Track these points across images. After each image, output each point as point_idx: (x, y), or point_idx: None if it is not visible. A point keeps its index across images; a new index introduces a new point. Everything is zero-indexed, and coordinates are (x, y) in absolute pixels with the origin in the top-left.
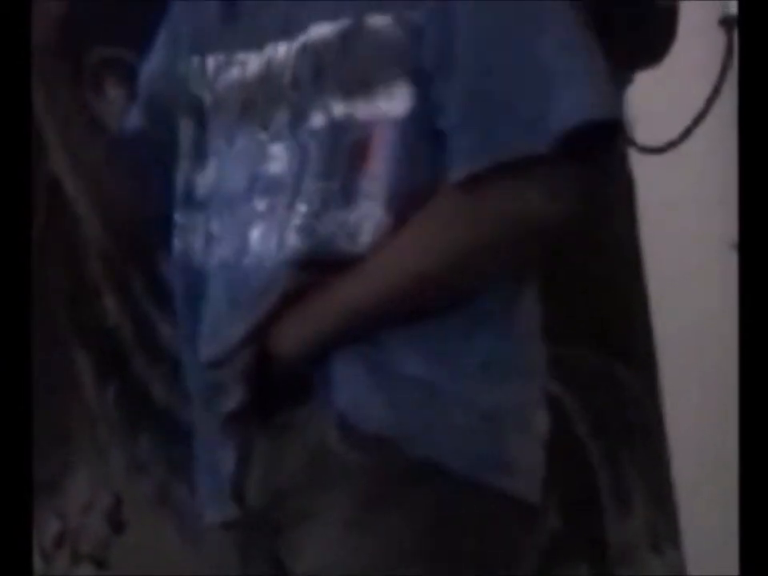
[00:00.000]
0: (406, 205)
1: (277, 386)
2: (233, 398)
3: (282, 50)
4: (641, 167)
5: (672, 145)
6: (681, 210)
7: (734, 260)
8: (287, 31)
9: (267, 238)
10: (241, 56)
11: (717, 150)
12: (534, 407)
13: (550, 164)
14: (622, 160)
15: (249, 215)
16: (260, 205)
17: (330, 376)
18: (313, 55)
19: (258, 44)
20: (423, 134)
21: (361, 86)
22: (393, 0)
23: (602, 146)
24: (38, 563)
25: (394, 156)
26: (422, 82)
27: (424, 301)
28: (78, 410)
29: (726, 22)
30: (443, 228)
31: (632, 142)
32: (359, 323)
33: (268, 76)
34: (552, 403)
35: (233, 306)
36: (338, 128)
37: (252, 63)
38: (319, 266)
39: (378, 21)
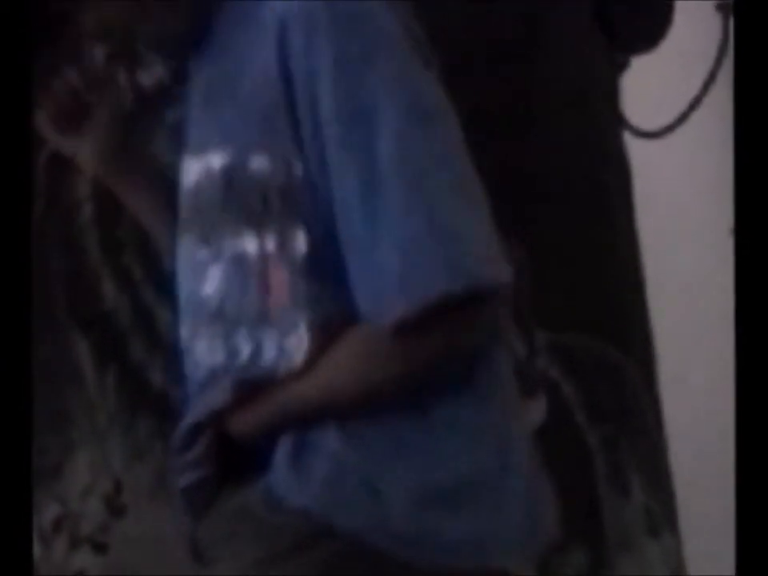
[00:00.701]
0: (326, 329)
1: (230, 462)
2: (189, 476)
3: (215, 161)
4: (637, 151)
5: (668, 129)
6: (677, 195)
7: (731, 245)
8: (223, 144)
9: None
10: (188, 161)
11: (713, 134)
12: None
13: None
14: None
15: (194, 327)
16: (197, 321)
17: (268, 451)
18: (208, 185)
19: (199, 149)
20: (319, 275)
21: (253, 224)
22: (274, 138)
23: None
24: (37, 547)
25: (296, 292)
26: (316, 228)
27: (353, 411)
28: (77, 396)
29: (722, 8)
30: (366, 365)
31: (628, 126)
32: (300, 417)
33: (206, 187)
34: (550, 389)
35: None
36: (244, 257)
37: (192, 170)
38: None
39: (262, 163)
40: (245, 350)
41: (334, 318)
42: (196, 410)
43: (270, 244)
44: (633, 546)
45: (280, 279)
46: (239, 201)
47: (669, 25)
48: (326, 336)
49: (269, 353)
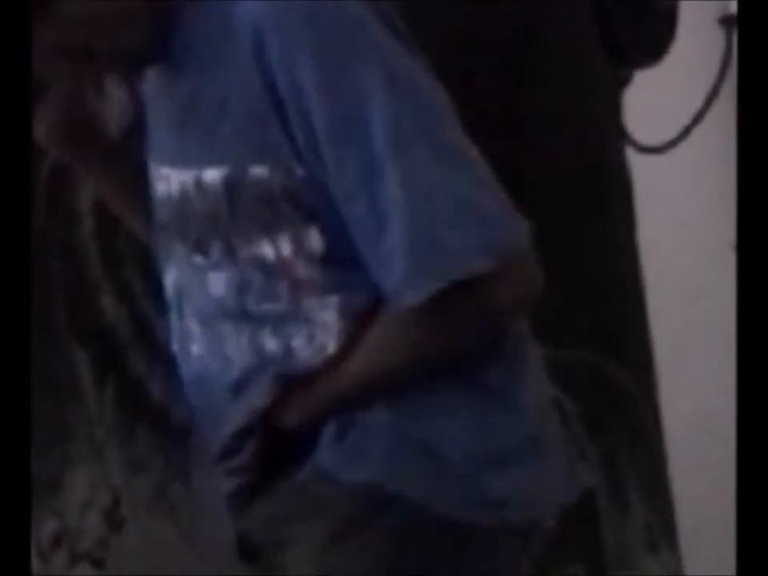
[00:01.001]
0: (353, 321)
1: (276, 455)
2: (235, 481)
3: (210, 175)
4: (639, 166)
5: (671, 144)
6: (679, 210)
7: (733, 260)
8: (218, 159)
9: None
10: (164, 170)
11: (716, 149)
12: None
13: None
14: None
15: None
16: (210, 322)
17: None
18: (208, 197)
19: (183, 162)
20: (339, 264)
21: (264, 231)
22: (269, 148)
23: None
24: (35, 562)
25: (320, 286)
26: (327, 224)
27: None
28: (76, 409)
29: (725, 22)
30: (400, 348)
31: (631, 141)
32: (350, 401)
33: (199, 198)
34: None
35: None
36: (263, 262)
37: (174, 180)
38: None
39: (261, 171)
40: (274, 348)
41: (362, 303)
42: (237, 415)
43: (286, 247)
44: (632, 562)
45: (302, 277)
46: (247, 211)
47: (672, 39)
48: (357, 321)
49: (300, 348)
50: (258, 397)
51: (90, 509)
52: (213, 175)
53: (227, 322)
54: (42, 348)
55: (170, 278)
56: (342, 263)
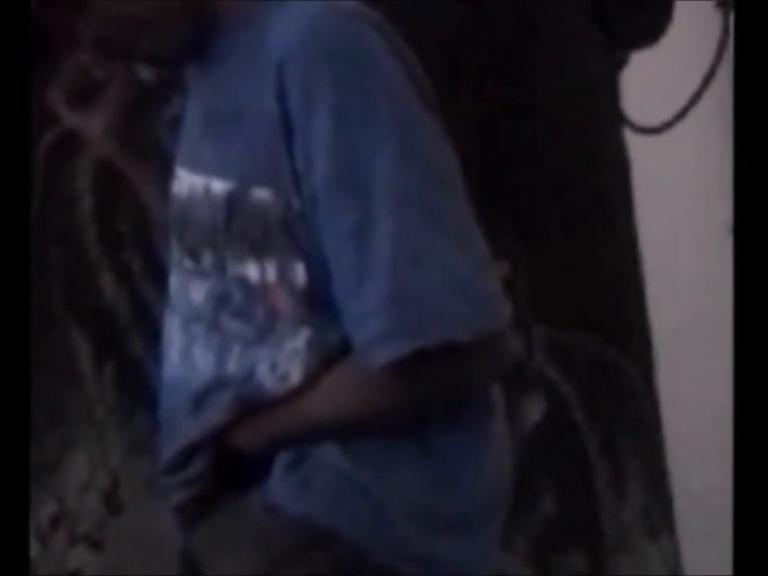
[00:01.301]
0: (326, 346)
1: (226, 474)
2: (182, 494)
3: (216, 186)
4: (636, 147)
5: (667, 125)
6: (677, 191)
7: (730, 242)
8: (226, 173)
9: (201, 356)
10: (180, 171)
11: (712, 130)
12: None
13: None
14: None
15: (186, 329)
16: (190, 326)
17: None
18: (209, 209)
19: (196, 166)
20: (316, 304)
21: (254, 253)
22: (274, 175)
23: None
24: (34, 545)
25: (295, 317)
26: (312, 261)
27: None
28: (76, 391)
29: (722, 4)
30: (367, 398)
31: (628, 122)
32: (304, 435)
33: (202, 205)
34: (548, 389)
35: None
36: (247, 282)
37: (185, 182)
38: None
39: (264, 194)
40: (237, 368)
41: (333, 343)
42: (191, 430)
43: (271, 273)
44: (631, 548)
45: (281, 304)
46: (241, 229)
47: (669, 21)
48: (325, 359)
49: (262, 373)
50: (215, 414)
51: (88, 491)
52: (218, 187)
53: (200, 331)
54: (41, 331)
55: (171, 278)
56: (321, 301)
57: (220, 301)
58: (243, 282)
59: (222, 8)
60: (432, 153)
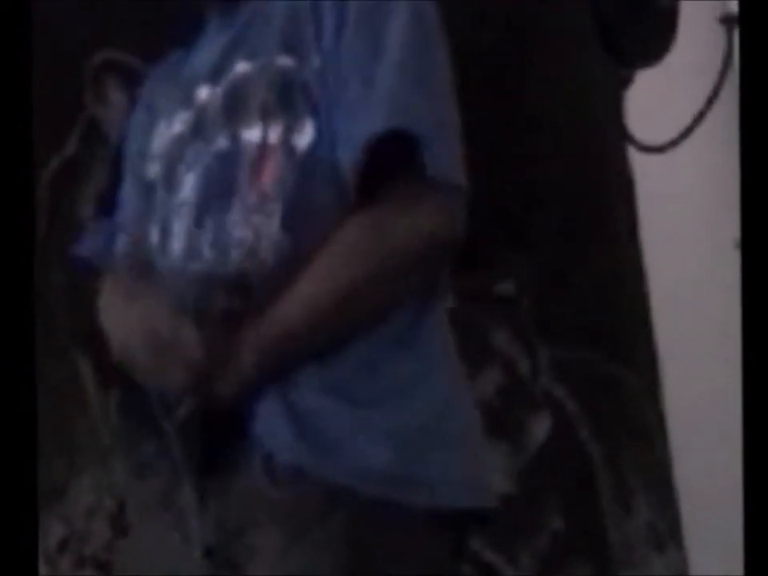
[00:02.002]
0: (302, 226)
1: (218, 427)
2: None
3: (204, 93)
4: (641, 166)
5: (672, 144)
6: (682, 210)
7: (737, 259)
8: (213, 76)
9: (187, 250)
10: (169, 109)
11: (717, 149)
12: (458, 419)
13: (431, 192)
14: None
15: (171, 229)
16: (174, 225)
17: (255, 414)
18: (230, 90)
19: (186, 96)
20: (321, 165)
21: (267, 115)
22: (299, 43)
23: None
24: (42, 567)
25: (288, 180)
26: (323, 118)
27: (333, 332)
28: (81, 416)
29: (726, 21)
30: (338, 260)
31: (632, 141)
32: (279, 356)
33: (193, 115)
34: (554, 405)
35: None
36: (239, 150)
37: (182, 116)
38: (239, 292)
39: (286, 62)
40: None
41: (314, 222)
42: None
43: (274, 136)
44: (637, 562)
45: (272, 169)
46: (260, 96)
47: (673, 39)
48: (304, 230)
49: (237, 247)
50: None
51: (95, 515)
52: (243, 67)
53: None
54: (46, 357)
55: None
56: (314, 167)
57: (205, 184)
58: (246, 146)
59: None
60: (434, 31)
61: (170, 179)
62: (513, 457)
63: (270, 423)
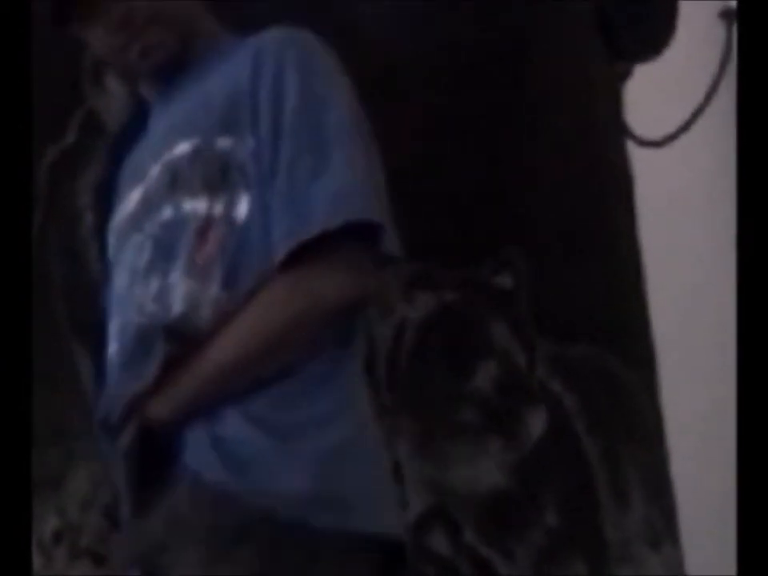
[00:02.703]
0: (238, 285)
1: (157, 446)
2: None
3: (154, 171)
4: (639, 160)
5: (671, 138)
6: (679, 203)
7: (733, 252)
8: (159, 155)
9: (139, 311)
10: (126, 192)
11: (715, 143)
12: (369, 451)
13: (346, 253)
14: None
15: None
16: (138, 289)
17: (185, 442)
18: (172, 167)
19: (139, 177)
20: (256, 235)
21: (207, 189)
22: (236, 126)
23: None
24: (37, 558)
25: (228, 247)
26: (257, 194)
27: (259, 372)
28: (77, 407)
29: (725, 16)
30: (265, 312)
31: (631, 135)
32: (209, 391)
33: (144, 198)
34: (551, 400)
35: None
36: (183, 219)
37: (134, 195)
38: (179, 337)
39: (225, 142)
40: (167, 298)
41: (248, 283)
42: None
43: (219, 208)
44: (633, 558)
45: (214, 238)
46: (203, 173)
47: (672, 33)
48: (242, 289)
49: (179, 301)
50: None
51: (91, 506)
52: (184, 147)
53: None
54: (43, 346)
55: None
56: (251, 239)
57: (154, 248)
58: (185, 218)
59: (204, 33)
60: (364, 126)
61: (120, 254)
62: (509, 451)
63: (198, 451)
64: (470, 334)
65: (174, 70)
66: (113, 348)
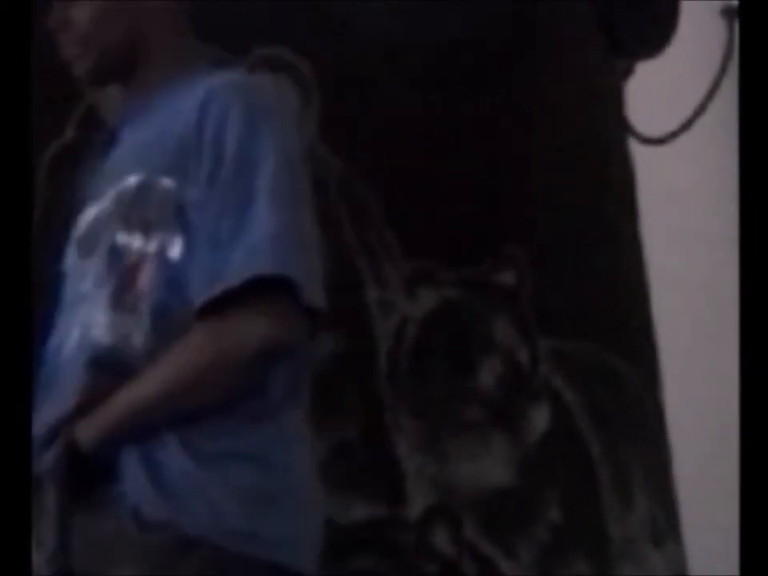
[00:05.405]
0: (167, 324)
1: (84, 468)
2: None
3: (108, 196)
4: (641, 157)
5: (672, 136)
6: (681, 201)
7: (736, 250)
8: (112, 181)
9: (78, 337)
10: (90, 209)
11: (717, 140)
12: (301, 489)
13: (263, 303)
14: None
15: (73, 320)
16: (79, 312)
17: (121, 474)
18: (119, 197)
19: (97, 196)
20: (185, 276)
21: (148, 227)
22: (182, 168)
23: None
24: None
25: (157, 285)
26: (191, 238)
27: (180, 407)
28: None
29: (727, 13)
30: (184, 354)
31: (633, 132)
32: (136, 422)
33: (92, 220)
34: (553, 396)
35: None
36: (117, 252)
37: (90, 212)
38: (108, 368)
39: (168, 183)
40: (95, 328)
41: (178, 322)
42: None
43: (153, 245)
44: (636, 555)
45: (145, 274)
46: (142, 209)
47: (674, 31)
48: (168, 337)
49: (105, 333)
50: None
51: None
52: (131, 180)
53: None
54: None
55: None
56: (180, 281)
57: (96, 277)
58: (121, 251)
59: (157, 67)
60: (299, 172)
61: (71, 270)
62: (511, 448)
63: (135, 479)
64: (472, 332)
65: (134, 91)
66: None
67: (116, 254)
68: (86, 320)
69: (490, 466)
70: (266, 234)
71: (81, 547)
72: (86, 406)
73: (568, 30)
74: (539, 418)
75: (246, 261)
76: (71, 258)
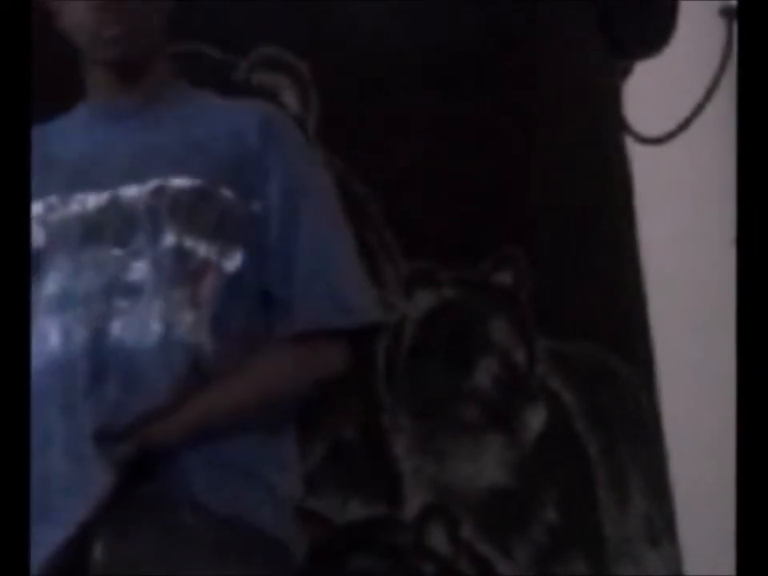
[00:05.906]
0: (226, 336)
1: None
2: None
3: (132, 190)
4: (639, 157)
5: (671, 135)
6: (679, 201)
7: (733, 253)
8: (136, 175)
9: (129, 327)
10: (79, 196)
11: (716, 140)
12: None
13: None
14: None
15: (107, 311)
16: (121, 304)
17: (182, 466)
18: (170, 198)
19: (99, 185)
20: (245, 289)
21: (206, 234)
22: (242, 179)
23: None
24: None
25: (217, 296)
26: (258, 254)
27: (248, 416)
28: None
29: (725, 13)
30: (276, 377)
31: (631, 132)
32: (212, 428)
33: (116, 208)
34: (550, 398)
35: (100, 380)
36: (185, 254)
37: (91, 200)
38: (197, 371)
39: (227, 193)
40: (155, 327)
41: (242, 330)
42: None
43: (213, 253)
44: (633, 555)
45: (209, 281)
46: (204, 215)
47: (672, 31)
48: (239, 346)
49: (197, 335)
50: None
51: None
52: (180, 182)
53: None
54: None
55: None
56: (243, 291)
57: (157, 272)
58: (185, 255)
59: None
60: (335, 202)
61: (63, 257)
62: (508, 448)
63: (198, 477)
64: (470, 332)
65: (128, 97)
66: (59, 346)
67: (184, 255)
68: (167, 317)
69: (487, 467)
70: (355, 274)
71: (143, 543)
72: (169, 408)
73: (568, 29)
74: (536, 419)
75: (360, 305)
76: (50, 238)
